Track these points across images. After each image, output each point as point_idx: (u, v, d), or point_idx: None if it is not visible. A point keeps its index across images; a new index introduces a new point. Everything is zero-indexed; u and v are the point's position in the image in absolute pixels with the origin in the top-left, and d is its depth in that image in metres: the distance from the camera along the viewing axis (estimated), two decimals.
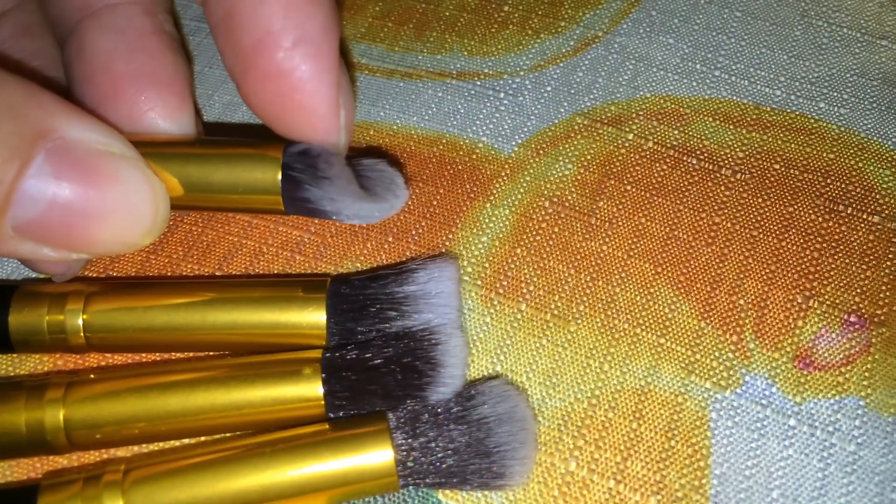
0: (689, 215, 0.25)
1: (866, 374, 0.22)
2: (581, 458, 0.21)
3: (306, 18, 0.21)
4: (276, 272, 0.24)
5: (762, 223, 0.24)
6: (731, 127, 0.27)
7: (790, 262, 0.24)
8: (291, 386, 0.20)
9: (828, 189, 0.25)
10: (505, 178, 0.26)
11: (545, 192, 0.25)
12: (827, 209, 0.25)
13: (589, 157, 0.26)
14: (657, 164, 0.26)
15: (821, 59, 0.28)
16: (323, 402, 0.20)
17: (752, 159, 0.26)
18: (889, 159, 0.26)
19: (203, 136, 0.24)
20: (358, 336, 0.21)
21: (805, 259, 0.24)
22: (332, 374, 0.20)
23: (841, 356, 0.22)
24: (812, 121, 0.27)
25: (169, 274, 0.24)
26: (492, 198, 0.25)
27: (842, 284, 0.23)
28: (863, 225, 0.24)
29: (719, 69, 0.28)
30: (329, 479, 0.19)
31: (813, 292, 0.23)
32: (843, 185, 0.25)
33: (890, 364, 0.22)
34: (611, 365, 0.22)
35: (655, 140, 0.26)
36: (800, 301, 0.23)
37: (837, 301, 0.23)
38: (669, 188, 0.25)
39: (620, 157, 0.26)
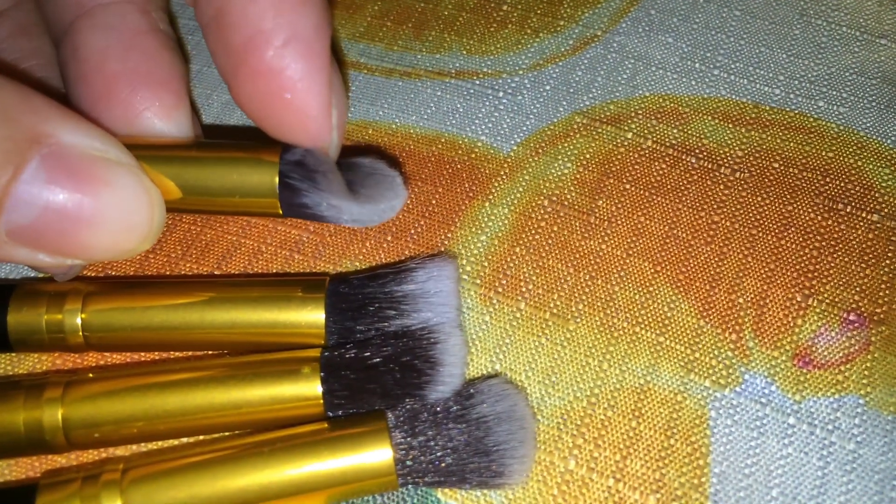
0: (688, 214, 0.25)
1: (866, 372, 0.22)
2: (580, 456, 0.21)
3: (297, 17, 0.21)
4: (274, 271, 0.24)
5: (761, 222, 0.24)
6: (731, 126, 0.27)
7: (789, 260, 0.24)
8: (290, 385, 0.20)
9: (827, 187, 0.25)
10: (504, 176, 0.26)
11: (544, 191, 0.25)
12: (826, 208, 0.25)
13: (588, 156, 0.26)
14: (656, 163, 0.26)
15: (820, 57, 0.28)
16: (322, 401, 0.20)
17: (751, 158, 0.26)
18: (888, 158, 0.26)
19: (201, 138, 0.24)
20: (357, 335, 0.21)
21: (804, 257, 0.24)
22: (331, 372, 0.20)
23: (840, 354, 0.22)
24: (811, 119, 0.27)
25: (167, 273, 0.24)
26: (491, 197, 0.25)
27: (841, 283, 0.23)
28: (862, 223, 0.24)
29: (718, 68, 0.28)
30: (328, 477, 0.19)
31: (812, 291, 0.23)
32: (842, 184, 0.25)
33: (889, 362, 0.22)
34: (610, 363, 0.22)
35: (654, 139, 0.26)
36: (799, 299, 0.23)
37: (837, 299, 0.23)
38: (668, 187, 0.25)
39: (619, 156, 0.26)
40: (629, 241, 0.24)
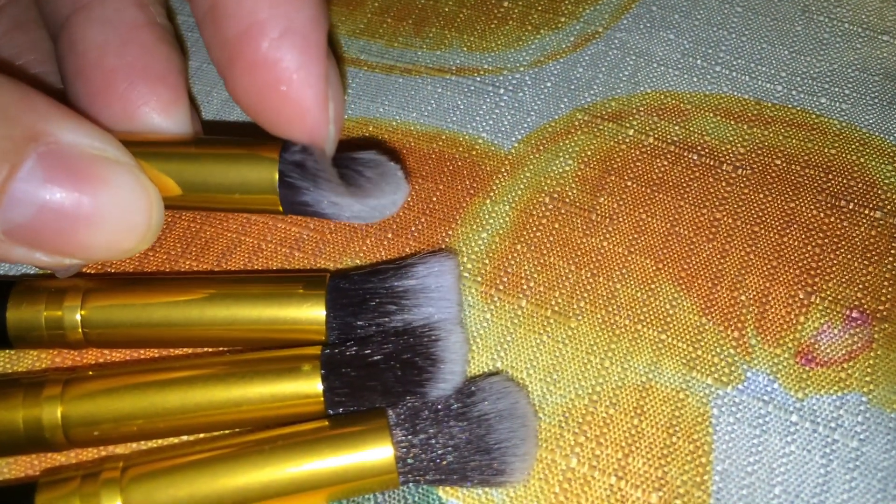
0: (690, 211, 0.25)
1: (868, 369, 0.22)
2: (582, 454, 0.21)
3: (293, 9, 0.20)
4: (275, 269, 0.24)
5: (763, 219, 0.24)
6: (732, 122, 0.26)
7: (792, 257, 0.24)
8: (290, 382, 0.20)
9: (829, 184, 0.25)
10: (505, 174, 0.26)
11: (545, 188, 0.25)
12: (829, 205, 0.25)
13: (589, 153, 0.26)
14: (658, 160, 0.26)
15: (822, 54, 0.28)
16: (322, 399, 0.20)
17: (753, 155, 0.26)
18: (891, 154, 0.26)
19: (200, 134, 0.24)
20: (357, 330, 0.21)
21: (807, 255, 0.24)
22: (332, 370, 0.20)
23: (843, 352, 0.22)
24: (813, 116, 0.26)
25: (167, 270, 0.24)
26: (492, 194, 0.25)
27: (844, 280, 0.23)
28: (865, 220, 0.24)
29: (720, 65, 0.28)
30: (329, 476, 0.19)
31: (815, 288, 0.23)
32: (844, 181, 0.25)
33: (892, 360, 0.22)
34: (612, 361, 0.22)
35: (656, 136, 0.26)
36: (801, 297, 0.23)
37: (839, 297, 0.23)
38: (670, 184, 0.25)
39: (621, 153, 0.26)
40: (631, 238, 0.24)
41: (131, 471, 0.19)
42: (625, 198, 0.25)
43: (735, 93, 0.27)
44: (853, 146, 0.26)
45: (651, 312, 0.23)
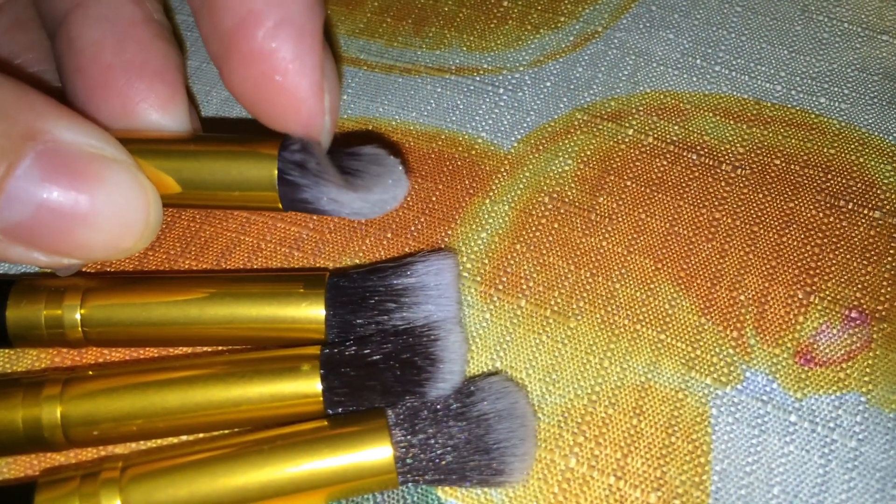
0: (689, 211, 0.25)
1: (867, 369, 0.22)
2: (581, 454, 0.21)
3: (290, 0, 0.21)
4: (274, 268, 0.24)
5: (763, 219, 0.24)
6: (732, 122, 0.26)
7: (791, 257, 0.24)
8: (290, 382, 0.20)
9: (828, 184, 0.25)
10: (504, 173, 0.26)
11: (545, 188, 0.25)
12: (828, 205, 0.25)
13: (589, 153, 0.26)
14: (657, 160, 0.26)
15: (821, 54, 0.28)
16: (321, 399, 0.20)
17: (752, 155, 0.26)
18: (890, 154, 0.26)
19: (199, 132, 0.24)
20: (357, 329, 0.21)
21: (806, 255, 0.24)
22: (331, 370, 0.20)
23: (842, 352, 0.22)
24: (813, 116, 0.26)
25: (167, 269, 0.24)
26: (491, 193, 0.25)
27: (843, 280, 0.23)
28: (864, 220, 0.24)
29: (719, 64, 0.28)
30: (328, 475, 0.19)
31: (814, 288, 0.23)
32: (843, 181, 0.25)
33: (891, 360, 0.22)
34: (611, 361, 0.22)
35: (655, 135, 0.26)
36: (800, 297, 0.23)
37: (838, 297, 0.23)
38: (669, 184, 0.25)
39: (620, 153, 0.26)
40: (630, 237, 0.24)
41: (130, 471, 0.19)
42: (624, 197, 0.25)
43: (734, 92, 0.27)
44: (852, 146, 0.26)
45: (650, 312, 0.23)
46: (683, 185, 0.25)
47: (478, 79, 0.28)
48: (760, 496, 0.20)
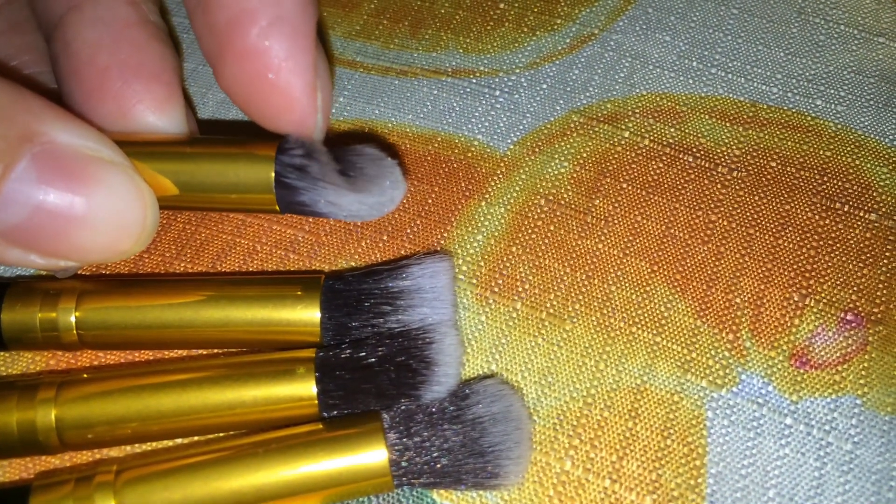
0: (685, 213, 0.25)
1: (863, 372, 0.22)
2: (576, 457, 0.21)
3: None
4: (270, 271, 0.24)
5: (759, 221, 0.24)
6: (728, 124, 0.26)
7: (787, 260, 0.24)
8: (285, 385, 0.20)
9: (824, 187, 0.25)
10: (500, 176, 0.25)
11: (541, 191, 0.25)
12: (824, 207, 0.25)
13: (585, 155, 0.26)
14: (653, 162, 0.26)
15: (818, 56, 0.28)
16: (316, 402, 0.20)
17: (748, 157, 0.26)
18: (886, 157, 0.26)
19: (196, 134, 0.24)
20: (352, 331, 0.21)
21: (802, 257, 0.24)
22: (326, 373, 0.20)
23: (837, 354, 0.22)
24: (809, 118, 0.26)
25: (162, 272, 0.24)
26: (487, 196, 0.25)
27: (838, 282, 0.23)
28: (860, 223, 0.24)
29: (716, 66, 0.28)
30: (323, 479, 0.19)
31: (809, 290, 0.23)
32: (839, 183, 0.25)
33: (886, 362, 0.22)
34: (606, 364, 0.22)
35: (652, 138, 0.26)
36: (796, 299, 0.23)
37: (834, 299, 0.23)
38: (666, 186, 0.25)
39: (616, 155, 0.26)
40: (626, 240, 0.24)
41: (125, 474, 0.19)
42: (620, 200, 0.25)
43: (731, 95, 0.27)
44: (848, 148, 0.26)
45: (646, 315, 0.23)
46: (679, 187, 0.25)
47: (474, 81, 0.28)
48: (756, 499, 0.20)
